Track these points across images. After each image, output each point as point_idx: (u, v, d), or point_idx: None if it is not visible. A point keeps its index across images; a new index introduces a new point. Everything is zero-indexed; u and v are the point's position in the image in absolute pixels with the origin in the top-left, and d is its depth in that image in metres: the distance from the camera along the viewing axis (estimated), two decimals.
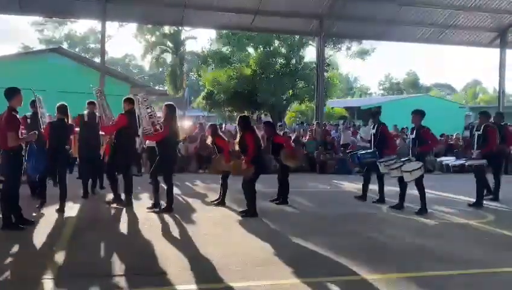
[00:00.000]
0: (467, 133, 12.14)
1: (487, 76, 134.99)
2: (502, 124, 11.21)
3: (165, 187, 8.73)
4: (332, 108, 34.27)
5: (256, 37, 29.09)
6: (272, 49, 29.97)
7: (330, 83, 29.60)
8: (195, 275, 5.19)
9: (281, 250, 6.20)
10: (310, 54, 39.57)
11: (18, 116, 6.90)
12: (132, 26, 46.35)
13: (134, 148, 8.86)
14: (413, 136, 9.40)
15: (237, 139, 8.88)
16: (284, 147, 9.77)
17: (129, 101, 9.23)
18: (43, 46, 54.97)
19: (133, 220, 8.01)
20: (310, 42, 29.40)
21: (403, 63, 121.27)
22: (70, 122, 8.87)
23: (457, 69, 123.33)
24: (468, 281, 5.27)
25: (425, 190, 9.18)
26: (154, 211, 8.54)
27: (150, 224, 7.73)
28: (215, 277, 5.13)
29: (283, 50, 30.32)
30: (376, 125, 10.27)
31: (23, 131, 7.15)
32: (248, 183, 8.52)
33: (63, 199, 8.32)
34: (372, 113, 10.74)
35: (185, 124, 19.00)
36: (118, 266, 5.43)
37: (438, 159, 11.70)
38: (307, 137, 18.92)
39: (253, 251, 6.17)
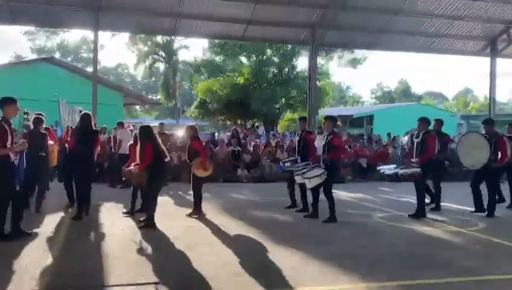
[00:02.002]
0: (405, 140, 11.70)
1: (478, 84, 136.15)
2: (442, 131, 10.86)
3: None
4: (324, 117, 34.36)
5: (248, 46, 29.21)
6: (264, 58, 30.10)
7: (322, 91, 29.75)
8: (187, 285, 5.19)
9: (273, 259, 6.20)
10: (302, 63, 39.75)
11: (6, 126, 6.63)
12: (125, 36, 46.43)
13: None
14: (323, 142, 9.24)
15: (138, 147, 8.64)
16: (199, 154, 9.44)
17: None
18: (35, 56, 55.01)
19: (124, 230, 7.98)
20: (302, 51, 29.56)
21: (395, 71, 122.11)
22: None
23: (448, 78, 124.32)
24: (460, 289, 5.30)
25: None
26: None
27: (141, 234, 7.71)
28: (206, 287, 5.13)
29: (276, 59, 30.46)
30: (300, 133, 10.17)
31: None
32: (151, 194, 8.35)
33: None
34: (300, 119, 10.75)
35: (179, 133, 18.99)
36: (109, 277, 5.41)
37: (378, 167, 11.56)
38: None
39: (245, 260, 6.16)
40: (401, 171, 9.61)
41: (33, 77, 24.00)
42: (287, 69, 30.36)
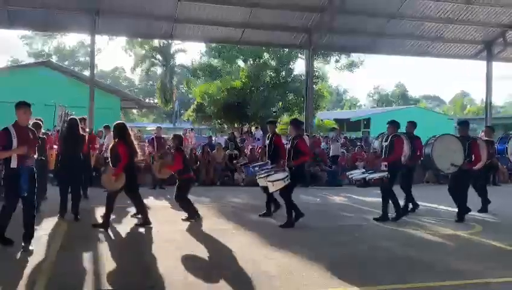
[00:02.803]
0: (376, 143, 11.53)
1: (475, 87, 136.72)
2: (414, 134, 10.68)
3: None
4: (322, 120, 34.45)
5: (246, 49, 29.25)
6: (261, 61, 30.14)
7: (320, 95, 29.81)
8: (184, 288, 5.19)
9: (270, 263, 6.22)
10: (299, 66, 39.89)
11: (12, 131, 6.36)
12: (122, 40, 46.53)
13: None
14: (289, 146, 9.06)
15: (110, 146, 8.55)
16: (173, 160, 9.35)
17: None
18: (32, 60, 54.90)
19: (121, 234, 7.99)
20: (300, 55, 29.63)
21: (392, 75, 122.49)
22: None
23: (445, 81, 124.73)
24: None
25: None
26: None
27: (138, 238, 7.72)
28: None
29: (273, 63, 30.51)
30: (270, 136, 9.96)
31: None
32: (111, 196, 8.25)
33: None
34: (269, 122, 10.42)
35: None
36: (106, 280, 5.42)
37: (347, 173, 11.48)
38: None
39: (242, 264, 6.17)
40: (369, 176, 9.54)
41: (31, 81, 23.98)
42: (284, 73, 30.40)
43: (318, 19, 18.47)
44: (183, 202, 9.26)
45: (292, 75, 30.57)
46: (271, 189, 8.89)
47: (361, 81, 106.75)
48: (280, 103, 30.14)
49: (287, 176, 8.63)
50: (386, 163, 9.43)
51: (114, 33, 25.06)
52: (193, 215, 9.22)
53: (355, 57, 35.67)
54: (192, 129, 27.11)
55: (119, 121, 8.76)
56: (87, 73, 30.77)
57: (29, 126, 6.87)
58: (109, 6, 17.03)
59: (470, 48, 21.53)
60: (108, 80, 62.18)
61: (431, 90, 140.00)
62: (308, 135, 19.25)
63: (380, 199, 9.75)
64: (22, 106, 6.54)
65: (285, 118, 32.47)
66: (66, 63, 58.41)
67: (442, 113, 55.86)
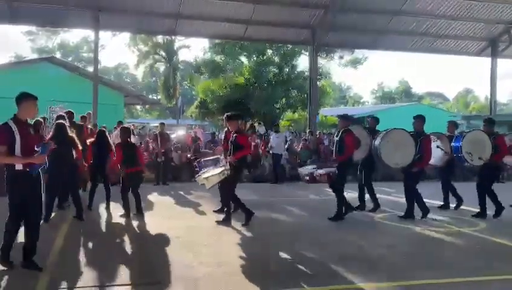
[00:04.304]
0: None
1: (479, 84, 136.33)
2: (377, 129, 10.37)
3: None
4: (325, 117, 34.42)
5: (249, 46, 29.24)
6: (264, 58, 30.12)
7: (323, 91, 29.78)
8: (189, 284, 5.19)
9: (272, 260, 6.22)
10: (302, 63, 39.87)
11: (14, 127, 5.32)
12: (125, 36, 46.49)
13: None
14: (230, 141, 8.79)
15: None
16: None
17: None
18: (35, 56, 54.90)
19: (125, 230, 8.00)
20: (303, 51, 29.58)
21: (396, 71, 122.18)
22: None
23: (449, 78, 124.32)
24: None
25: None
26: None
27: (141, 234, 7.73)
28: (207, 286, 5.14)
29: (276, 59, 30.48)
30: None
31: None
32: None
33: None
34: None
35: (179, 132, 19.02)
36: (111, 276, 5.42)
37: (299, 169, 11.20)
38: (300, 146, 18.95)
39: (245, 260, 6.18)
40: (316, 172, 9.32)
41: (34, 77, 23.92)
42: (287, 69, 30.38)
43: (321, 16, 18.46)
44: (124, 199, 9.05)
45: (295, 72, 30.55)
46: (207, 186, 8.59)
47: (364, 77, 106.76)
48: (283, 100, 30.14)
49: (223, 171, 8.33)
50: (338, 159, 9.15)
51: (117, 29, 25.14)
52: (128, 214, 8.99)
53: (358, 53, 35.64)
54: (199, 126, 27.16)
55: (58, 121, 8.79)
56: (90, 69, 30.79)
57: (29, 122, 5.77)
58: (112, 3, 17.06)
59: (474, 44, 21.47)
60: (112, 76, 62.21)
61: (435, 87, 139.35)
62: (311, 132, 19.28)
63: (387, 197, 9.70)
64: (28, 98, 5.52)
65: (289, 114, 32.49)
66: (70, 59, 58.43)
67: (445, 110, 55.63)
